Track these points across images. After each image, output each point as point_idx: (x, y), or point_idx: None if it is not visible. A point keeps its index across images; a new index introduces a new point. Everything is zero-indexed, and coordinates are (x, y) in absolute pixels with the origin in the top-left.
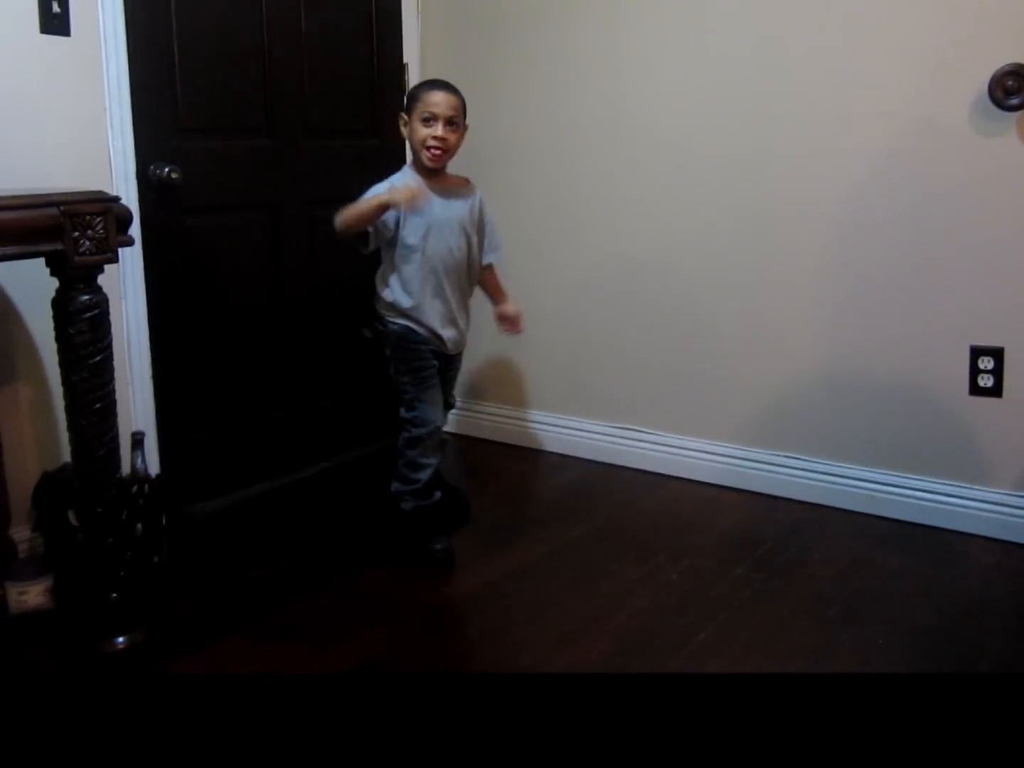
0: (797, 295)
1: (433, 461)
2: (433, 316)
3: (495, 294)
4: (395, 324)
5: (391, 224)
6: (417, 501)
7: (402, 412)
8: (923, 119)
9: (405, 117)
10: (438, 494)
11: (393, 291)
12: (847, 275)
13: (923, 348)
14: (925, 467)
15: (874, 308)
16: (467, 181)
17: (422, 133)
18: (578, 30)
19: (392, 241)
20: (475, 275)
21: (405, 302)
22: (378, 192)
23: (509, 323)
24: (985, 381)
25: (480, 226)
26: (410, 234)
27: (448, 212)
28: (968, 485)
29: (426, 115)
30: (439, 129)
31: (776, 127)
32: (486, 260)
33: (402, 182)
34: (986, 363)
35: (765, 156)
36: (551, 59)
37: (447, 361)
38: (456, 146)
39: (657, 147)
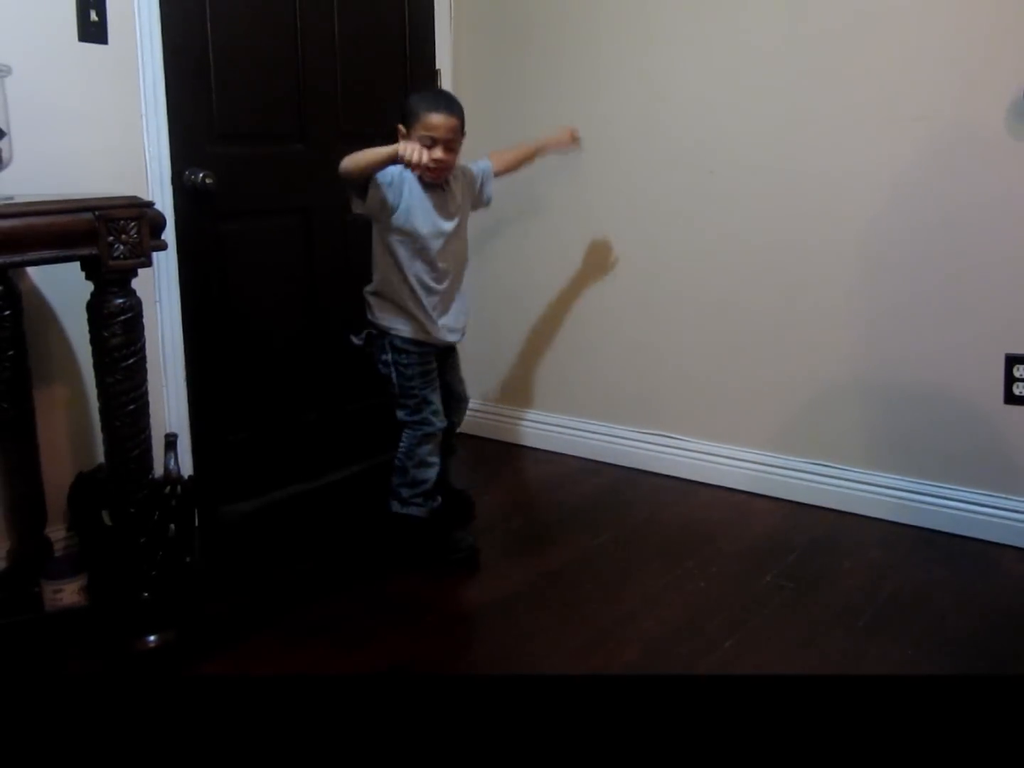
0: (830, 301)
1: (439, 461)
2: (429, 315)
3: (526, 153)
4: (393, 329)
5: (389, 197)
6: (428, 503)
7: (406, 416)
8: (959, 123)
9: (403, 130)
10: (440, 498)
11: (387, 284)
12: (881, 281)
13: (957, 356)
14: (958, 476)
15: (908, 315)
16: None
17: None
18: (609, 36)
19: (385, 226)
20: (466, 262)
21: (398, 301)
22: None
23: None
24: (1020, 389)
25: (474, 183)
26: (403, 223)
27: (447, 217)
28: (1002, 495)
29: (426, 140)
30: (438, 152)
31: (810, 131)
32: (482, 168)
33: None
34: (1021, 371)
35: (799, 161)
36: (582, 65)
37: (445, 354)
38: (454, 162)
39: (689, 152)
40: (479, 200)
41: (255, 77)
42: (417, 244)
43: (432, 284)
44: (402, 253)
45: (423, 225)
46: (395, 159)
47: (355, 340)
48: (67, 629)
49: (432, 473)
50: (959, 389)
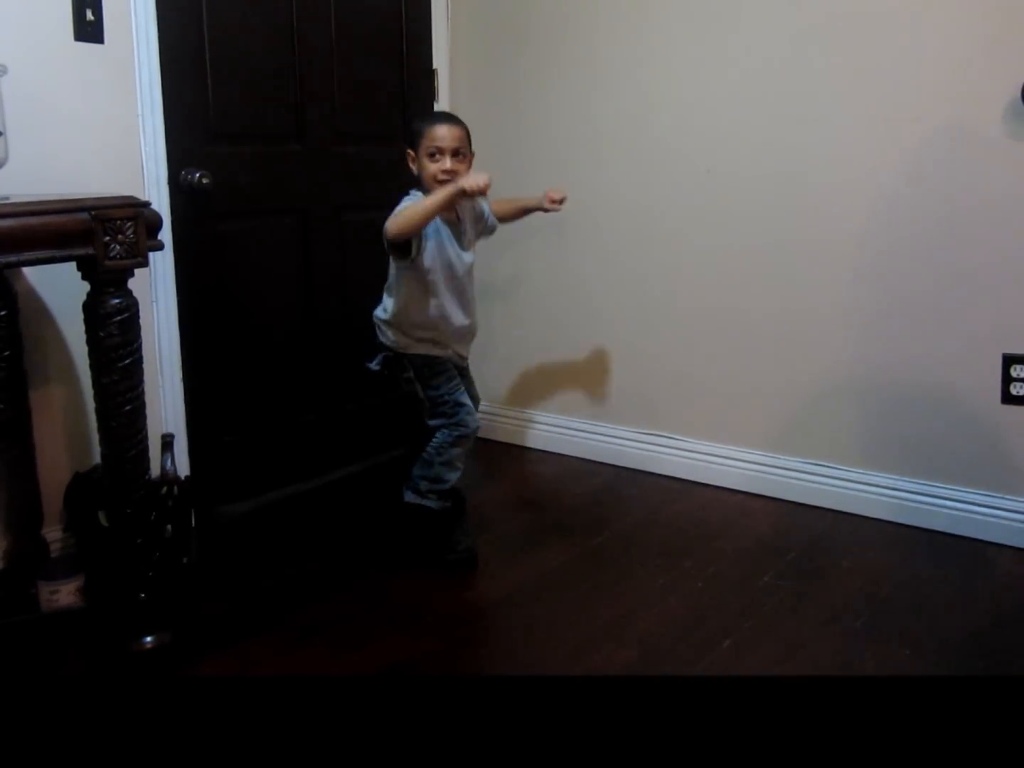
0: (828, 301)
1: (463, 466)
2: (448, 338)
3: (522, 207)
4: (411, 351)
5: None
6: (442, 502)
7: (442, 422)
8: (955, 124)
9: (412, 153)
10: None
11: (407, 317)
12: (879, 281)
13: (955, 356)
14: (956, 476)
15: (906, 315)
16: None
17: (431, 169)
18: (606, 35)
19: (414, 263)
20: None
21: (419, 331)
22: (417, 197)
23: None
24: (1018, 389)
25: (482, 215)
26: (427, 259)
27: (465, 247)
28: (999, 495)
29: (432, 150)
30: (447, 163)
31: (806, 133)
32: (484, 205)
33: None
34: (1019, 371)
35: (795, 162)
36: (579, 65)
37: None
38: (464, 173)
39: (685, 153)
40: (484, 229)
41: (252, 77)
42: (443, 275)
43: (455, 318)
44: (428, 287)
45: (447, 257)
46: (462, 195)
47: (372, 367)
48: (63, 630)
49: (455, 476)
50: (957, 389)
